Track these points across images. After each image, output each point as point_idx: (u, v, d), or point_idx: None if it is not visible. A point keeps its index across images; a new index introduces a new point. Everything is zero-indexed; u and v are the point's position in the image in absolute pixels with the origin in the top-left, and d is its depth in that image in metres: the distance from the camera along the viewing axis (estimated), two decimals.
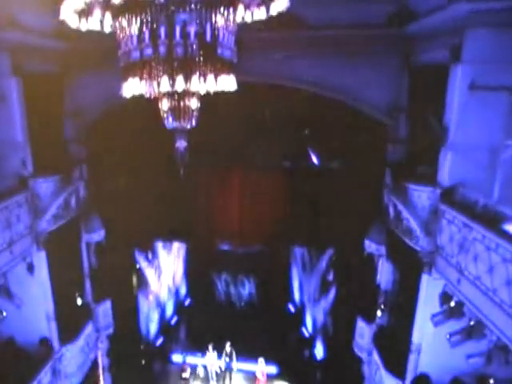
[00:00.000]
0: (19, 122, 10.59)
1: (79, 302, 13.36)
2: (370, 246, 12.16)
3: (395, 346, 11.43)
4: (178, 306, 20.47)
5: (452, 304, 9.00)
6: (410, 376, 10.53)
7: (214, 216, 15.33)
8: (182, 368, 16.27)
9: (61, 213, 11.72)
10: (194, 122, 5.90)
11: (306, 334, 18.48)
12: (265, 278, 19.61)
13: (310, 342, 17.83)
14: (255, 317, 18.98)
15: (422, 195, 10.03)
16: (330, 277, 15.79)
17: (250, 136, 12.99)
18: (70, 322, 12.52)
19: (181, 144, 6.15)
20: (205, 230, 15.69)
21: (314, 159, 13.48)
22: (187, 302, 21.11)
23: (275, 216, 14.79)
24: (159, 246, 18.04)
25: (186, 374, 16.11)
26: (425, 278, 9.91)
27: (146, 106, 12.23)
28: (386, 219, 11.59)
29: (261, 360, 15.45)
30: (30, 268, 10.84)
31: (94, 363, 14.38)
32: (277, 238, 15.59)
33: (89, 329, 13.53)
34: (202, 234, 16.17)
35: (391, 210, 11.13)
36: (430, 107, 9.92)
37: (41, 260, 11.24)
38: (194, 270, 20.33)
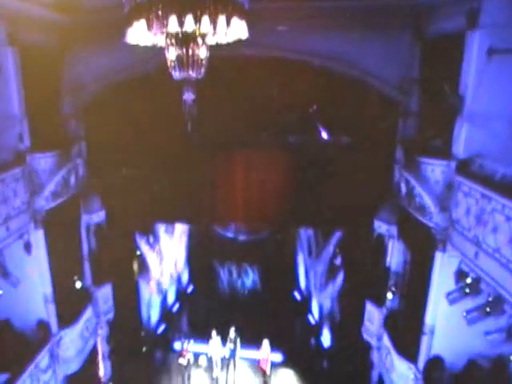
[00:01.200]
0: (16, 95, 10.13)
1: (78, 285, 12.90)
2: (380, 226, 11.83)
3: (407, 329, 11.10)
4: (180, 293, 20.10)
5: (468, 281, 8.67)
6: (422, 359, 10.21)
7: (217, 198, 14.88)
8: (180, 354, 15.39)
9: (59, 190, 11.30)
10: (202, 72, 5.48)
11: (313, 322, 18.10)
12: (269, 265, 19.25)
13: (316, 330, 17.45)
14: (260, 305, 18.58)
15: (436, 169, 9.70)
16: (338, 261, 15.40)
17: (256, 112, 12.56)
18: (68, 305, 12.08)
19: (188, 96, 5.74)
20: (208, 213, 15.25)
21: (324, 134, 13.10)
22: (190, 289, 20.79)
23: (281, 196, 14.37)
24: (161, 229, 17.64)
25: (183, 361, 15.14)
26: (438, 255, 9.59)
27: (148, 83, 11.86)
28: (397, 198, 11.23)
29: (266, 342, 14.94)
30: (27, 247, 10.41)
31: (94, 350, 13.95)
32: (283, 220, 15.18)
33: (88, 313, 13.07)
34: (205, 217, 15.73)
35: (403, 186, 10.77)
36: (445, 78, 9.54)
37: (38, 239, 10.79)
38: (196, 257, 20.03)
